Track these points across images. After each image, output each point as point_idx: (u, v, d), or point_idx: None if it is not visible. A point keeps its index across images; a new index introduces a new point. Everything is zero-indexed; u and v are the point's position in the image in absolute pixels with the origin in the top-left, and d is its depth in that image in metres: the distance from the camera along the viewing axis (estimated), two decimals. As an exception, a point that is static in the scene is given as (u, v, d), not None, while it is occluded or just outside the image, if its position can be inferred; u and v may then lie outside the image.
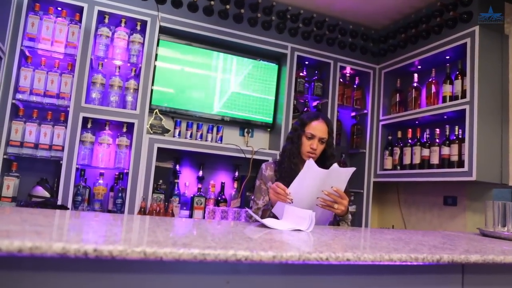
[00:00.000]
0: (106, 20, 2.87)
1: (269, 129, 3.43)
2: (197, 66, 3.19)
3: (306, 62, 3.54)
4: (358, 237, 1.30)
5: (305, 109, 3.46)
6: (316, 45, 3.43)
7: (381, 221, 3.74)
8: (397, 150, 3.36)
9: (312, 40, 3.42)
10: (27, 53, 2.70)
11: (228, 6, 3.08)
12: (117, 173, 2.90)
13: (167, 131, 2.97)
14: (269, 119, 3.38)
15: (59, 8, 2.80)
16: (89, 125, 2.79)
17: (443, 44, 3.01)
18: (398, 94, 3.47)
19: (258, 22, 3.23)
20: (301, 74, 3.47)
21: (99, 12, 2.81)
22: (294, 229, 1.29)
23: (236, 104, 3.30)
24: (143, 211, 2.76)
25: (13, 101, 2.59)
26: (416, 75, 3.35)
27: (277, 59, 3.44)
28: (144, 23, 2.93)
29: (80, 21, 2.77)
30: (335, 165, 1.72)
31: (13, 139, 2.61)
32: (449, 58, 3.09)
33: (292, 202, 1.63)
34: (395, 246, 1.06)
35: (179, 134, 3.05)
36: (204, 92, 3.20)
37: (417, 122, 3.28)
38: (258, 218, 1.38)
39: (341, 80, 3.60)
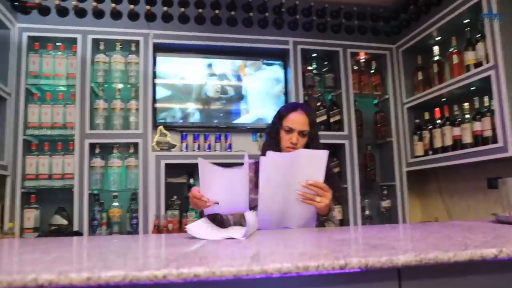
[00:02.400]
0: (102, 47, 2.94)
1: (282, 130, 3.26)
2: (198, 76, 3.14)
3: (314, 54, 3.34)
4: (309, 240, 1.13)
5: (319, 103, 3.25)
6: (320, 35, 3.22)
7: (424, 215, 3.37)
8: (426, 134, 3.01)
9: (315, 30, 3.22)
10: (32, 90, 2.84)
11: (218, 11, 3.00)
12: (131, 194, 2.92)
13: (173, 146, 2.95)
14: (281, 119, 3.22)
15: (58, 44, 2.92)
16: (97, 151, 2.85)
17: (457, 6, 2.66)
18: (420, 72, 3.13)
19: (253, 21, 3.11)
20: (308, 67, 3.27)
21: (93, 40, 2.88)
22: (226, 237, 1.14)
23: (244, 109, 3.20)
24: (157, 229, 2.74)
25: (24, 137, 2.73)
26: (436, 48, 2.99)
27: (281, 56, 3.28)
28: (137, 43, 2.96)
29: (78, 52, 2.87)
30: (302, 149, 1.55)
31: (28, 173, 2.74)
32: (467, 21, 2.72)
33: (218, 204, 1.45)
34: (314, 251, 0.88)
35: (186, 148, 3.01)
36: (209, 101, 3.14)
37: (443, 99, 2.93)
38: (190, 230, 1.21)
39: (355, 67, 3.34)
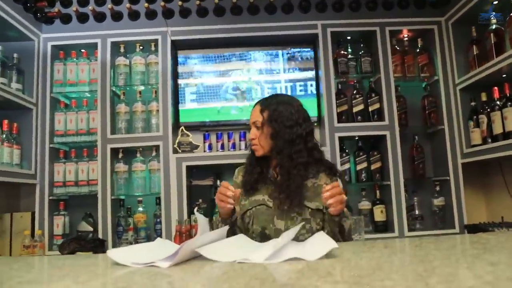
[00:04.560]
0: (122, 49, 2.89)
1: (315, 124, 2.96)
2: (222, 72, 2.98)
3: (348, 37, 2.99)
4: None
5: (355, 91, 2.90)
6: (353, 14, 2.87)
7: (490, 213, 2.86)
8: (483, 118, 2.53)
9: (347, 10, 2.86)
10: (59, 98, 2.87)
11: (236, 0, 2.79)
12: (156, 198, 2.83)
13: (196, 147, 2.80)
14: (313, 112, 2.93)
15: (82, 50, 2.93)
16: (120, 155, 2.81)
17: (512, -39, 2.18)
18: (474, 46, 2.64)
19: (277, 7, 2.85)
20: (342, 52, 2.94)
21: (113, 43, 2.84)
22: (149, 264, 0.89)
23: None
24: (179, 235, 2.62)
25: (51, 145, 2.77)
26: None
27: (311, 42, 2.99)
28: (156, 42, 2.86)
29: (100, 57, 2.85)
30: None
31: (56, 180, 2.77)
32: (529, -23, 2.22)
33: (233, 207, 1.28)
34: None
35: (209, 148, 2.85)
36: (234, 97, 2.95)
37: (503, 75, 2.43)
38: (111, 254, 0.96)
39: (397, 47, 2.94)
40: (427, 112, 2.90)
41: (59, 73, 2.85)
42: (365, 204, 2.79)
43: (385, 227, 2.73)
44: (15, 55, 2.65)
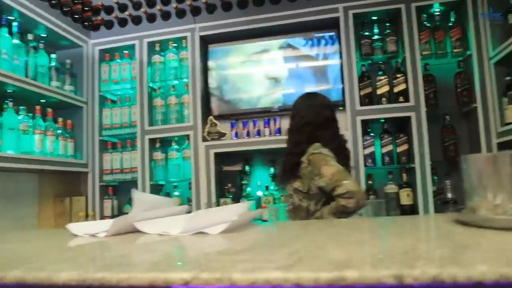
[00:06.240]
0: (157, 48, 3.15)
1: (341, 108, 2.94)
2: (249, 62, 3.09)
3: (374, 18, 2.91)
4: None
5: (380, 72, 2.83)
6: (376, -7, 2.79)
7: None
8: (518, 93, 2.32)
9: (370, -11, 2.80)
10: (106, 96, 3.24)
11: (256, -8, 2.89)
12: (189, 184, 3.06)
13: (223, 135, 2.97)
14: (339, 96, 2.92)
15: (124, 52, 3.26)
16: (157, 145, 3.09)
17: None
18: (510, 15, 2.42)
19: (297, -6, 2.90)
20: (366, 33, 2.87)
21: (149, 43, 3.12)
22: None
23: (299, 89, 3.00)
24: (207, 217, 2.81)
25: (100, 138, 3.15)
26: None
27: (334, 26, 2.96)
28: (186, 39, 3.08)
29: (139, 56, 3.16)
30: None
31: (105, 168, 3.15)
32: None
33: None
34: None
35: (235, 135, 3.00)
36: (260, 86, 3.05)
37: (538, 44, 2.20)
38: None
39: (426, 24, 2.79)
40: (459, 90, 2.71)
41: (105, 73, 3.21)
42: (391, 188, 2.72)
43: (412, 210, 2.65)
44: (67, 61, 3.05)
